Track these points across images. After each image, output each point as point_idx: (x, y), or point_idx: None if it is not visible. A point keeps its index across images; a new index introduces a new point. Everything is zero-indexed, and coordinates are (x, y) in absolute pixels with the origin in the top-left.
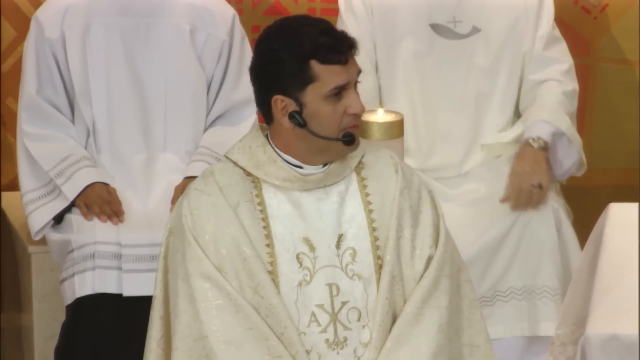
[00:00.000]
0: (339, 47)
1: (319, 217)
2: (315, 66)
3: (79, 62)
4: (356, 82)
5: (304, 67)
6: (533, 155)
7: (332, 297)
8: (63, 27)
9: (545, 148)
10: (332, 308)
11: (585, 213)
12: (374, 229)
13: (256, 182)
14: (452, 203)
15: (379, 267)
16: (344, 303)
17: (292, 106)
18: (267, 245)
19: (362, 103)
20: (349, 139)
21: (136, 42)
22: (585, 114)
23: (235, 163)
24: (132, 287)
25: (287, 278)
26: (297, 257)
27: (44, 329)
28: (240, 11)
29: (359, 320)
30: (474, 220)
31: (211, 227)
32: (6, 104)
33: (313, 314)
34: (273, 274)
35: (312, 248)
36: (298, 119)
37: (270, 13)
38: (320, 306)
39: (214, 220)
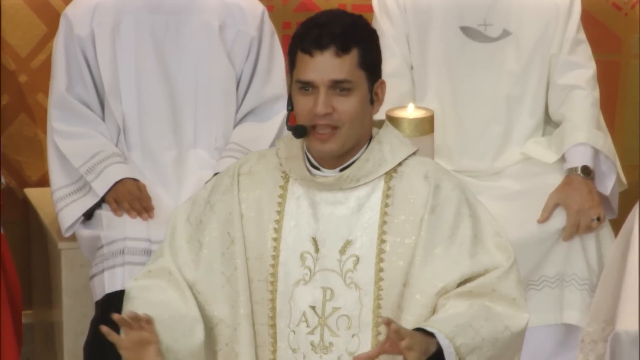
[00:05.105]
0: (315, 38)
1: (331, 220)
2: (298, 53)
3: (108, 60)
4: (339, 86)
5: (292, 52)
6: (584, 186)
7: (324, 300)
8: (92, 24)
9: (592, 176)
10: (323, 312)
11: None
12: (382, 241)
13: (286, 174)
14: (483, 195)
15: (379, 279)
16: (335, 309)
17: (291, 90)
18: (274, 239)
19: (324, 107)
20: (295, 130)
21: (166, 39)
22: (616, 111)
23: (277, 152)
24: None
25: (286, 275)
26: (302, 255)
27: (74, 325)
28: (270, 7)
29: (348, 328)
30: (505, 213)
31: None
32: (37, 99)
33: (304, 314)
34: (274, 268)
35: (317, 249)
36: (290, 102)
37: (301, 9)
38: (313, 308)
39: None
